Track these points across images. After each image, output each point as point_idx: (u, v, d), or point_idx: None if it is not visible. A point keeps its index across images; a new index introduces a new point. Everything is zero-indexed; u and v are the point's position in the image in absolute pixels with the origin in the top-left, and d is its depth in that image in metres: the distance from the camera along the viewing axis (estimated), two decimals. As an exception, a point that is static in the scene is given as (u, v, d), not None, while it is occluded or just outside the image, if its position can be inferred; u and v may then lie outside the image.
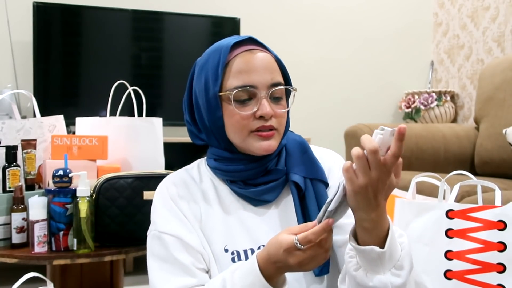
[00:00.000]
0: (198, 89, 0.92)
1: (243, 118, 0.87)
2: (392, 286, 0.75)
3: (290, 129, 0.99)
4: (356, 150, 0.70)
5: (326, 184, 0.94)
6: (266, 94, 0.87)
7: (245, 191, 0.92)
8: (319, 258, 0.76)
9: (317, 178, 0.93)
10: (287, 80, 0.93)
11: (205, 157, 1.00)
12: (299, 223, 0.89)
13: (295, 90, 0.92)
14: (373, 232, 0.75)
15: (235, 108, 0.87)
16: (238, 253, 0.89)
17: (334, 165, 0.98)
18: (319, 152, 1.00)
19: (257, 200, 0.93)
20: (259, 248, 0.89)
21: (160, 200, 0.94)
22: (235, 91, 0.86)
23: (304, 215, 0.91)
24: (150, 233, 0.92)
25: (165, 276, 0.87)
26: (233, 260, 0.89)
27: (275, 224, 0.92)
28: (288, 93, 0.94)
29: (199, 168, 0.99)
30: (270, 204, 0.94)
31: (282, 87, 0.89)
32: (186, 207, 0.92)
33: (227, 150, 0.93)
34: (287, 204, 0.94)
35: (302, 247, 0.74)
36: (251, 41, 0.90)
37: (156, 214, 0.93)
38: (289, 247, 0.74)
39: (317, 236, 0.74)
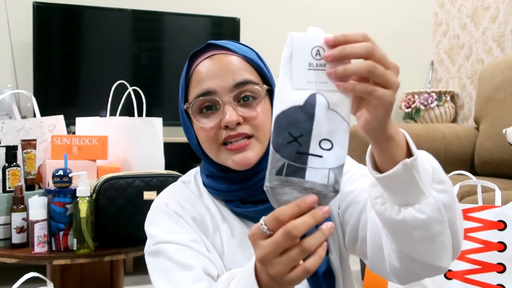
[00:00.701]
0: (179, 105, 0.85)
1: (207, 131, 0.78)
2: (443, 205, 0.59)
3: None
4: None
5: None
6: (229, 99, 0.76)
7: (244, 211, 0.82)
8: (293, 257, 0.53)
9: None
10: (265, 79, 0.82)
11: (199, 170, 0.91)
12: None
13: (266, 88, 0.80)
14: (395, 147, 0.58)
15: (197, 122, 0.79)
16: None
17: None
18: None
19: (258, 219, 0.78)
20: None
21: (160, 213, 0.83)
22: (193, 102, 0.78)
23: None
24: (148, 248, 0.81)
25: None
26: None
27: None
28: (272, 91, 0.82)
29: (197, 182, 0.89)
30: None
31: (247, 90, 0.77)
32: (192, 221, 0.82)
33: (215, 166, 0.83)
34: None
35: (267, 231, 0.54)
36: (212, 46, 0.81)
37: (156, 227, 0.82)
38: (253, 233, 0.56)
39: (286, 214, 0.53)
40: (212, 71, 0.78)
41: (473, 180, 1.21)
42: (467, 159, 2.34)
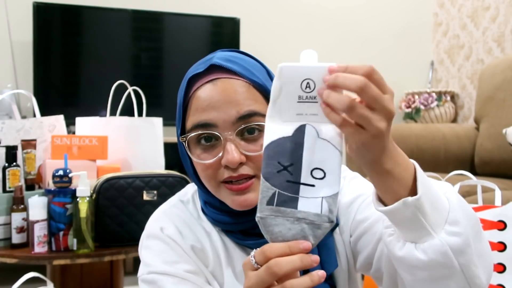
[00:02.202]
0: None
1: (207, 168, 0.70)
2: (451, 249, 0.54)
3: None
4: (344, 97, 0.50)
5: (337, 224, 0.77)
6: (231, 134, 0.67)
7: (247, 243, 0.76)
8: None
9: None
10: None
11: (196, 192, 0.83)
12: None
13: None
14: (393, 182, 0.54)
15: (195, 156, 0.70)
16: None
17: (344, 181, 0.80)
18: None
19: None
20: None
21: (155, 239, 0.77)
22: (190, 135, 0.70)
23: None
24: (142, 276, 0.75)
25: None
26: None
27: None
28: None
29: (195, 203, 0.82)
30: None
31: (252, 123, 0.68)
32: (191, 250, 0.76)
33: (214, 197, 0.75)
34: None
35: (255, 264, 0.54)
36: (215, 68, 0.70)
37: (151, 254, 0.76)
38: (246, 263, 0.56)
39: (274, 251, 0.53)
40: (214, 100, 0.68)
41: (473, 180, 1.21)
42: (467, 159, 2.34)
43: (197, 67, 0.72)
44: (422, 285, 0.58)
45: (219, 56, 0.72)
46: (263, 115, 0.67)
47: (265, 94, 0.71)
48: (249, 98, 0.69)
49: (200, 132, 0.69)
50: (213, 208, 0.76)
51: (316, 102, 0.52)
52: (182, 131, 0.72)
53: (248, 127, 0.68)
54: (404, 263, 0.58)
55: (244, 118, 0.68)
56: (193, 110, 0.70)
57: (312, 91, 0.52)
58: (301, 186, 0.53)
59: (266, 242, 0.61)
